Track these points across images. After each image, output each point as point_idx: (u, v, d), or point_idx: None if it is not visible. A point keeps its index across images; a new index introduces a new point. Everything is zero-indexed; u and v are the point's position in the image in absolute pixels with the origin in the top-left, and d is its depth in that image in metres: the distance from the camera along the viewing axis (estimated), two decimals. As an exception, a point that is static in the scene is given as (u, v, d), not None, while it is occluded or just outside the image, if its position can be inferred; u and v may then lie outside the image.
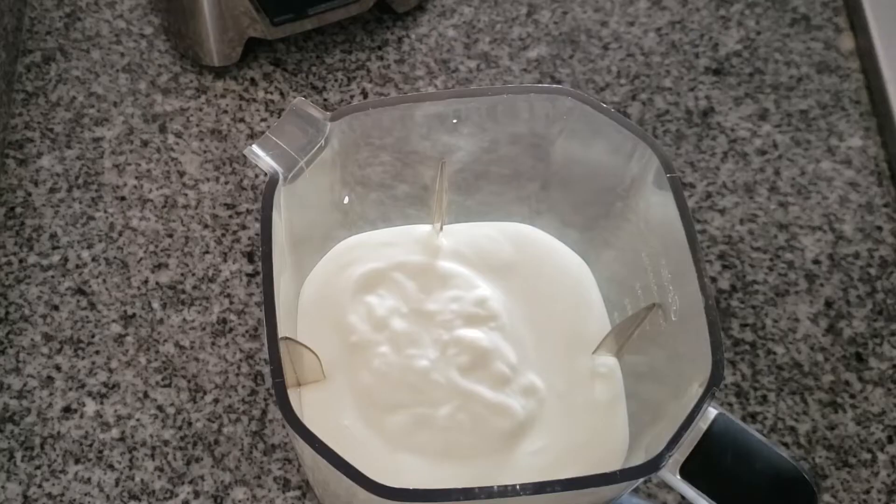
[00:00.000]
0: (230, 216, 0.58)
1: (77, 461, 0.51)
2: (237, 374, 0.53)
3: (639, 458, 0.38)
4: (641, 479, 0.38)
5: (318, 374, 0.46)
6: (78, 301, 0.55)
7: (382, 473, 0.35)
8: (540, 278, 0.50)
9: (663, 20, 0.66)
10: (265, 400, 0.53)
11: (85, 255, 0.56)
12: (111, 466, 0.51)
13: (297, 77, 0.63)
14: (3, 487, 0.50)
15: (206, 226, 0.58)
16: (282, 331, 0.38)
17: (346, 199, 0.49)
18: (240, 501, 0.50)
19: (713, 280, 0.57)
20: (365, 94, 0.63)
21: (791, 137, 0.62)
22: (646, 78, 0.64)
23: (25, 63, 0.63)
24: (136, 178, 0.59)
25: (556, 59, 0.64)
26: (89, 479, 0.50)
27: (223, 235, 0.57)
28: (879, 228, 0.59)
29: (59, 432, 0.51)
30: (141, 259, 0.56)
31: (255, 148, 0.41)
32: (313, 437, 0.35)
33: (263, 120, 0.61)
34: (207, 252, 0.57)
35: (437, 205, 0.50)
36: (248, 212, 0.58)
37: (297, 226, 0.45)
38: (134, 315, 0.55)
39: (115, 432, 0.51)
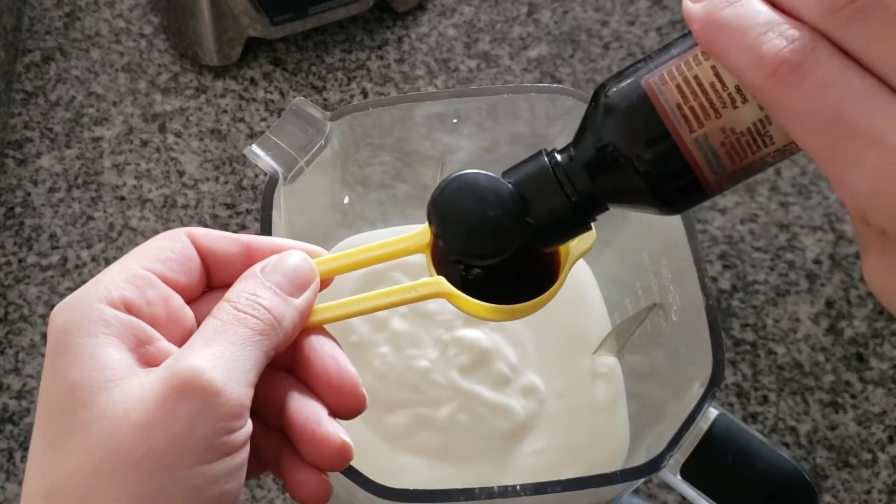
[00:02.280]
0: (230, 216, 0.58)
1: (76, 461, 0.50)
2: (237, 375, 0.53)
3: (639, 459, 0.38)
4: (642, 480, 0.38)
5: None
6: (77, 301, 0.55)
7: (382, 473, 0.35)
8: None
9: (664, 19, 0.66)
10: (265, 400, 0.52)
11: (84, 255, 0.56)
12: (111, 467, 0.51)
13: (297, 77, 0.63)
14: (2, 488, 0.50)
15: (205, 226, 0.57)
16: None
17: (346, 199, 0.49)
18: (239, 502, 0.50)
19: (714, 280, 0.57)
20: (365, 94, 0.62)
21: (792, 137, 0.62)
22: (646, 77, 0.64)
23: (25, 63, 0.63)
24: (136, 177, 0.59)
25: (557, 59, 0.64)
26: (89, 479, 0.50)
27: (223, 235, 0.57)
28: (880, 228, 0.59)
29: (58, 432, 0.51)
30: (140, 259, 0.56)
31: (255, 148, 0.41)
32: (313, 437, 0.35)
33: (263, 120, 0.61)
34: (207, 252, 0.57)
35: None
36: (248, 212, 0.58)
37: (297, 226, 0.45)
38: (133, 315, 0.55)
39: (114, 432, 0.51)
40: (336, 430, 0.28)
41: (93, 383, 0.25)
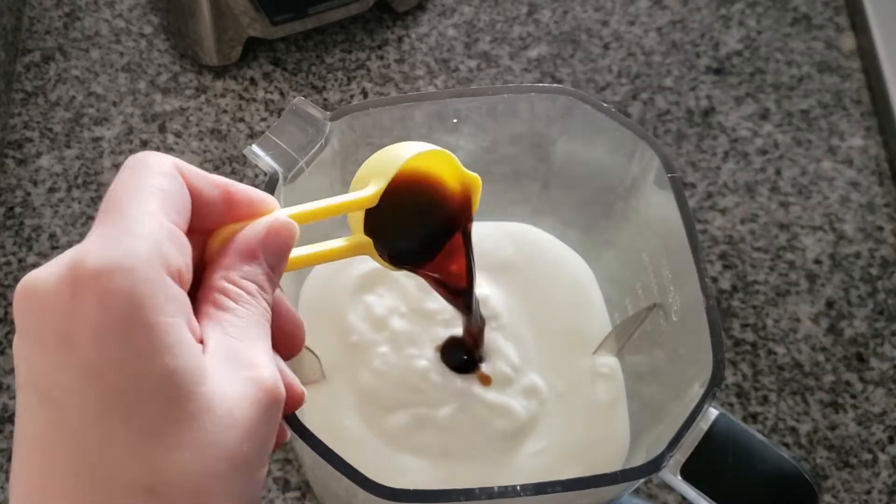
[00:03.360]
0: (230, 216, 0.58)
1: (76, 461, 0.50)
2: (237, 375, 0.53)
3: (640, 459, 0.38)
4: (642, 480, 0.38)
5: (318, 374, 0.46)
6: (77, 301, 0.55)
7: (382, 474, 0.35)
8: (541, 278, 0.50)
9: (664, 19, 0.66)
10: (265, 400, 0.52)
11: (84, 254, 0.56)
12: (111, 467, 0.51)
13: (297, 77, 0.63)
14: (2, 488, 0.50)
15: (205, 226, 0.57)
16: (281, 331, 0.38)
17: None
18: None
19: (714, 280, 0.57)
20: (365, 94, 0.62)
21: (792, 137, 0.62)
22: (646, 77, 0.64)
23: (25, 62, 0.63)
24: (136, 177, 0.59)
25: (557, 59, 0.64)
26: (89, 479, 0.50)
27: (223, 235, 0.57)
28: (880, 228, 0.59)
29: (58, 432, 0.51)
30: (140, 259, 0.56)
31: (255, 148, 0.41)
32: (313, 437, 0.35)
33: (263, 120, 0.61)
34: (207, 252, 0.57)
35: (437, 204, 0.50)
36: (248, 212, 0.58)
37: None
38: (133, 315, 0.55)
39: (114, 432, 0.51)
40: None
41: (190, 372, 0.23)
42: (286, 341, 0.29)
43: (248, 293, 0.27)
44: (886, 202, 0.60)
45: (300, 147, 0.41)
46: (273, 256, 0.28)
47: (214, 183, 0.28)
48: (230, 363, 0.25)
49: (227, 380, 0.24)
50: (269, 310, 0.27)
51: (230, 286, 0.27)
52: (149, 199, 0.25)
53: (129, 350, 0.23)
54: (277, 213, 0.30)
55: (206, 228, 0.28)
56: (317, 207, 0.32)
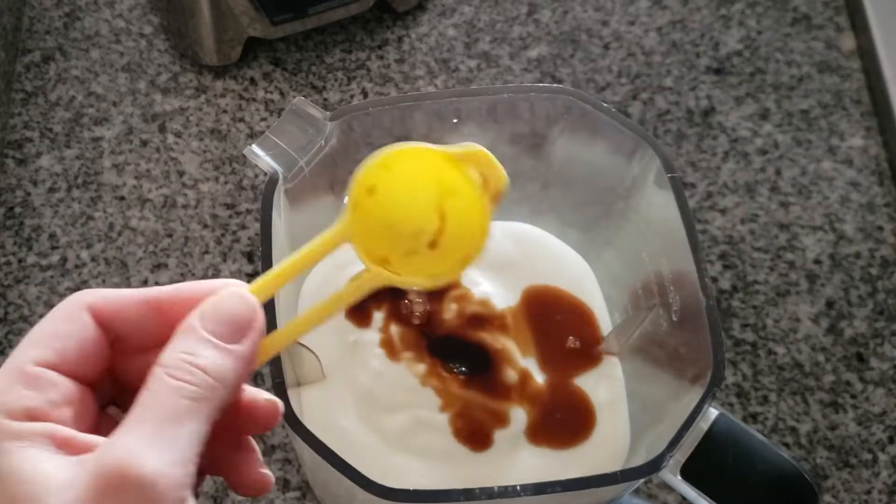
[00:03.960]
0: (230, 216, 0.58)
1: (76, 461, 0.50)
2: (237, 375, 0.53)
3: (640, 459, 0.38)
4: (642, 480, 0.38)
5: (318, 374, 0.46)
6: (77, 301, 0.55)
7: (382, 474, 0.35)
8: (541, 277, 0.50)
9: (664, 19, 0.66)
10: (265, 400, 0.52)
11: (84, 255, 0.56)
12: (111, 467, 0.51)
13: (297, 76, 0.63)
14: None
15: (205, 226, 0.57)
16: (281, 331, 0.38)
17: (346, 200, 0.49)
18: (239, 502, 0.50)
19: (714, 280, 0.57)
20: (365, 94, 0.62)
21: (792, 137, 0.62)
22: (646, 77, 0.64)
23: (24, 62, 0.63)
24: (136, 177, 0.59)
25: (557, 59, 0.64)
26: (89, 479, 0.50)
27: (223, 235, 0.57)
28: (880, 228, 0.59)
29: (58, 432, 0.51)
30: (140, 259, 0.56)
31: (254, 148, 0.41)
32: (313, 437, 0.35)
33: (263, 120, 0.61)
34: (207, 252, 0.57)
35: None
36: (248, 212, 0.58)
37: (296, 225, 0.45)
38: (133, 315, 0.55)
39: (114, 432, 0.51)
40: (266, 394, 0.28)
41: (21, 500, 0.23)
42: (249, 423, 0.28)
43: (165, 368, 0.24)
44: (886, 202, 0.60)
45: (300, 147, 0.41)
46: (215, 323, 0.26)
47: (139, 301, 0.27)
48: (97, 455, 0.23)
49: (75, 479, 0.23)
50: (200, 387, 0.24)
51: (154, 367, 0.25)
52: (25, 346, 0.25)
53: None
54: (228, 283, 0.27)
55: (151, 344, 0.27)
56: (281, 268, 0.29)
